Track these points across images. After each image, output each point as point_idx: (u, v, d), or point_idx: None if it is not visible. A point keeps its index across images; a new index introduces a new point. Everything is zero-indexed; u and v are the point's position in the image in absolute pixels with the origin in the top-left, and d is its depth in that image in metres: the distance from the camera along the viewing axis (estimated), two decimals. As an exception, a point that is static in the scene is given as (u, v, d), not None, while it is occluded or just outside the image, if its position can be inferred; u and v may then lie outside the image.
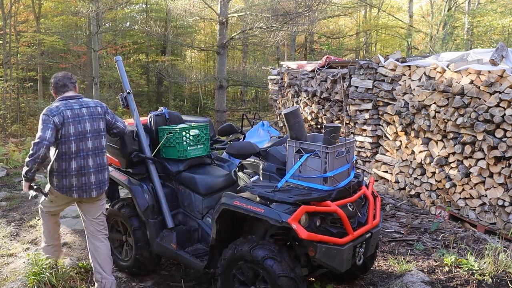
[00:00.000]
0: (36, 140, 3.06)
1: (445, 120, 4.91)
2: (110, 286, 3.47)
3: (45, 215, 3.69)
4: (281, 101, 8.69)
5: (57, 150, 3.26)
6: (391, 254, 4.18)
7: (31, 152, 3.08)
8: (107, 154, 4.01)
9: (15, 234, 4.96)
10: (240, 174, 3.27)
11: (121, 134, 3.64)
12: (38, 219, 5.12)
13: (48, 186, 3.44)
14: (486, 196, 4.64)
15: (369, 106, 6.10)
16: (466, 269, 3.70)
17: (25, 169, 3.15)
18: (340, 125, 2.98)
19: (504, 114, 4.30)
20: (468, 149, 4.71)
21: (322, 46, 20.97)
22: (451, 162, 4.96)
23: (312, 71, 7.28)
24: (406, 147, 5.60)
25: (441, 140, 5.09)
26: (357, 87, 6.24)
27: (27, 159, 3.10)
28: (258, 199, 2.84)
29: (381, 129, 6.08)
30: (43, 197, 3.55)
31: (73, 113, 3.27)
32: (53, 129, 3.13)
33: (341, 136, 2.92)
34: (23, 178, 3.21)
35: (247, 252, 2.82)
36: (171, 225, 3.61)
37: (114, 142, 3.75)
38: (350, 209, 2.89)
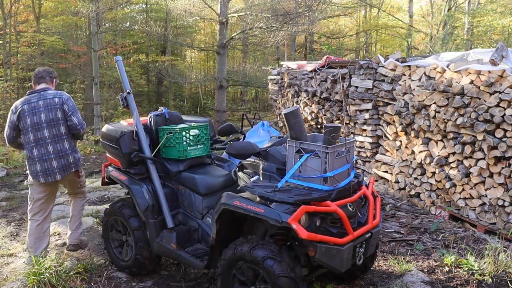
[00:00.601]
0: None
1: (445, 120, 4.91)
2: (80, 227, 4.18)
3: (32, 223, 3.98)
4: (281, 101, 8.69)
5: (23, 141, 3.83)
6: (391, 254, 4.18)
7: None
8: (107, 154, 4.02)
9: (15, 234, 4.96)
10: (240, 174, 3.27)
11: (74, 129, 3.87)
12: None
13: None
14: (486, 196, 4.64)
15: (369, 106, 6.10)
16: (466, 269, 3.70)
17: None
18: (340, 125, 2.97)
19: (504, 114, 4.30)
20: (468, 149, 4.71)
21: (322, 46, 20.99)
22: (451, 162, 4.96)
23: (312, 71, 7.27)
24: (406, 147, 5.60)
25: (441, 140, 5.09)
26: (357, 87, 6.23)
27: None
28: (258, 199, 2.84)
29: (381, 129, 6.08)
30: (29, 203, 3.99)
31: (30, 107, 3.72)
32: (10, 127, 3.79)
33: (341, 136, 2.91)
34: None
35: (247, 252, 2.82)
36: (171, 225, 3.60)
37: (114, 142, 3.75)
38: (350, 209, 2.89)
